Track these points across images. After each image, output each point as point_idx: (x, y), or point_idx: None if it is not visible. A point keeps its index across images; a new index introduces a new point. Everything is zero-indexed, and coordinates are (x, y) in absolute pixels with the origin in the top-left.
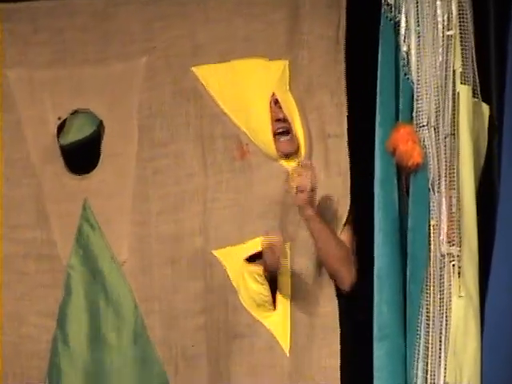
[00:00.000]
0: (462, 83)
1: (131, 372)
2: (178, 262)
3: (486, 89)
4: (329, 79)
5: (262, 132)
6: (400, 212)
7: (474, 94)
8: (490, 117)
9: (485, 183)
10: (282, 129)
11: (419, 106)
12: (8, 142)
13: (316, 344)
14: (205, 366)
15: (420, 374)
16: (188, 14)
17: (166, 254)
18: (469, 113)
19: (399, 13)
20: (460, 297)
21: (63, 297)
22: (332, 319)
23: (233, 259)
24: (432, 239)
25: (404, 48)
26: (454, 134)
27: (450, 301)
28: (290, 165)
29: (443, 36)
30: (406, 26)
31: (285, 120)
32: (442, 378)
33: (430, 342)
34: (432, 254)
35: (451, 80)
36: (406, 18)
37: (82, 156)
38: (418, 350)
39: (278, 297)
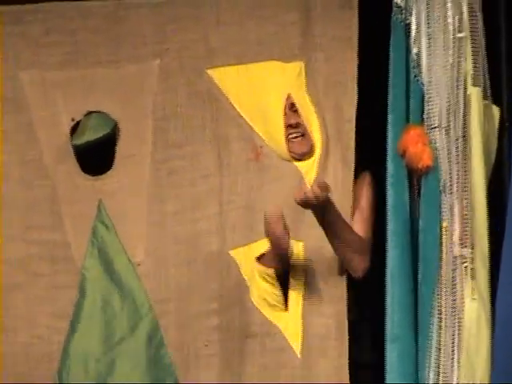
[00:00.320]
0: (473, 85)
1: (144, 374)
2: (193, 263)
3: (497, 90)
4: (343, 79)
5: (276, 134)
6: (411, 214)
7: (485, 96)
8: (501, 118)
9: (495, 185)
10: (295, 134)
11: (430, 107)
12: (21, 144)
13: (327, 345)
14: (217, 367)
15: (432, 375)
16: (200, 16)
17: (182, 255)
18: (480, 115)
19: (410, 15)
20: (473, 299)
21: (77, 298)
22: (342, 319)
23: (246, 258)
24: (444, 241)
25: (414, 50)
26: (465, 136)
27: (463, 303)
28: (303, 166)
29: (454, 38)
30: (417, 28)
31: (297, 125)
32: (455, 380)
33: (442, 344)
34: (444, 256)
35: (462, 82)
36: (417, 20)
37: (96, 157)
38: (430, 352)
39: (290, 297)
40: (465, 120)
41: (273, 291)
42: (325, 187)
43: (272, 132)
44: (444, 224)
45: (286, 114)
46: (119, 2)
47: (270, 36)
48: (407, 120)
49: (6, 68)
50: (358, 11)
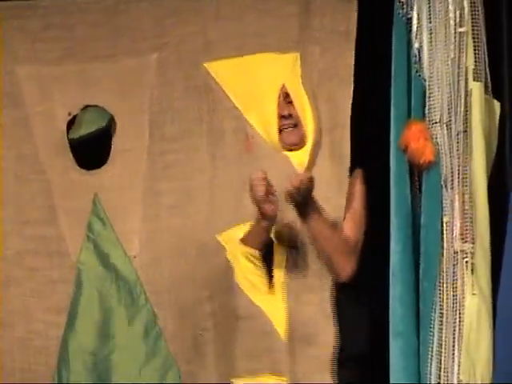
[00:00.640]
0: (474, 80)
1: (142, 365)
2: (188, 255)
3: (498, 86)
4: (339, 72)
5: (268, 124)
6: (413, 209)
7: (486, 91)
8: (502, 113)
9: (495, 180)
10: (287, 126)
11: (431, 102)
12: (17, 139)
13: (313, 331)
14: (212, 353)
15: (434, 371)
16: (200, 9)
17: (177, 248)
18: (481, 110)
19: (411, 9)
20: (473, 294)
21: (74, 293)
22: (327, 305)
23: (230, 241)
24: (445, 236)
25: (416, 45)
26: (466, 131)
27: (463, 298)
28: (294, 156)
29: (455, 33)
30: (418, 22)
31: (290, 116)
32: (455, 375)
33: (444, 339)
34: (445, 251)
35: (463, 77)
36: (418, 14)
37: (92, 151)
38: (432, 348)
39: (275, 281)
40: (466, 115)
41: (256, 272)
42: (308, 179)
43: (265, 122)
44: (445, 219)
45: (279, 104)
46: None
47: (269, 28)
48: (409, 115)
49: (4, 63)
50: (358, 4)
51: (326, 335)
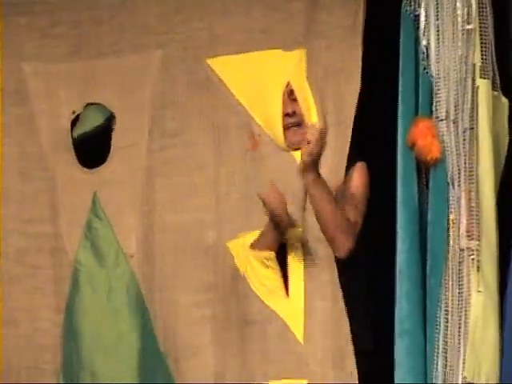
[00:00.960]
0: (481, 77)
1: (135, 363)
2: (186, 253)
3: (506, 83)
4: (346, 67)
5: (273, 122)
6: (420, 206)
7: (494, 88)
8: (511, 110)
9: (506, 176)
10: (292, 124)
11: (438, 99)
12: (21, 136)
13: (331, 329)
14: (210, 357)
15: (440, 368)
16: (206, 5)
17: (174, 245)
18: (488, 107)
19: (419, 6)
20: (479, 291)
21: (70, 291)
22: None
23: (240, 249)
24: (451, 233)
25: (423, 42)
26: (473, 128)
27: (469, 295)
28: (298, 155)
29: (463, 30)
30: (426, 19)
31: (294, 114)
32: (460, 372)
33: (449, 336)
34: (451, 249)
35: (470, 74)
36: (426, 11)
37: (92, 149)
38: (438, 345)
39: (291, 283)
40: (472, 112)
41: (272, 276)
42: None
43: (270, 120)
44: (451, 216)
45: (284, 101)
46: None
47: (275, 24)
48: (416, 112)
49: (10, 59)
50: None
51: (342, 334)
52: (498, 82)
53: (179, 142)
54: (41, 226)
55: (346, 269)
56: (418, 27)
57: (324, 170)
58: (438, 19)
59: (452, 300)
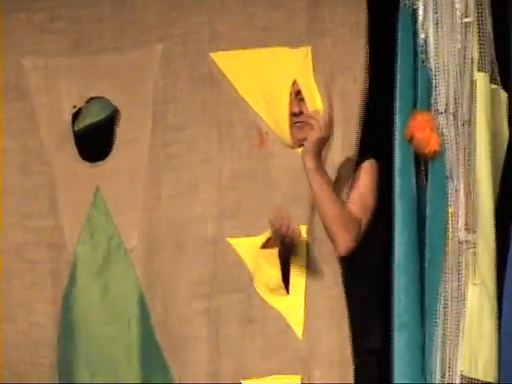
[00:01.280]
0: (479, 70)
1: (133, 358)
2: (186, 248)
3: (506, 76)
4: (351, 65)
5: (281, 120)
6: (419, 200)
7: (493, 81)
8: (509, 103)
9: (506, 171)
10: (299, 123)
11: (437, 93)
12: (22, 131)
13: (329, 327)
14: (208, 350)
15: (438, 362)
16: (204, 1)
17: (175, 240)
18: (486, 100)
19: (417, 0)
20: (474, 284)
21: (68, 285)
22: (343, 301)
23: (249, 249)
24: (450, 227)
25: (422, 35)
26: (471, 122)
27: (467, 288)
28: None
29: (461, 23)
30: (424, 13)
31: (301, 113)
32: (458, 367)
33: (448, 330)
34: (450, 242)
35: (469, 67)
36: (424, 5)
37: (95, 143)
38: (436, 339)
39: (292, 281)
40: (471, 105)
41: (274, 275)
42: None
43: (277, 118)
44: (450, 210)
45: (291, 101)
46: None
47: (278, 22)
48: (414, 106)
49: (10, 54)
50: None
51: (342, 332)
52: (498, 75)
53: (182, 136)
54: (40, 221)
55: (349, 267)
56: (417, 21)
57: (332, 168)
58: (436, 12)
59: (450, 293)
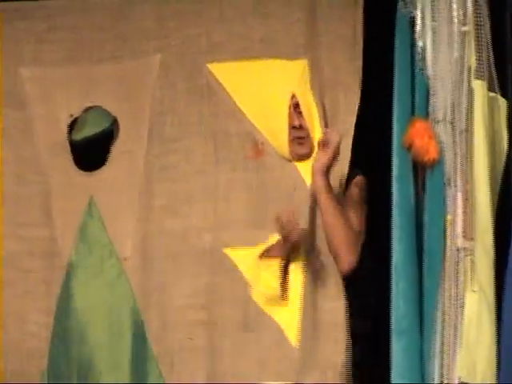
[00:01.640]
0: (476, 78)
1: (126, 367)
2: (181, 258)
3: (504, 83)
4: (345, 77)
5: (279, 132)
6: (416, 207)
7: (492, 89)
8: (509, 111)
9: (506, 178)
10: (298, 136)
11: (435, 101)
12: (18, 140)
13: (324, 339)
14: (203, 360)
15: (436, 368)
16: (204, 11)
17: (169, 250)
18: (484, 108)
19: (415, 8)
20: (473, 291)
21: (62, 294)
22: (340, 315)
23: (245, 259)
24: (448, 234)
25: (419, 44)
26: (469, 130)
27: (466, 295)
28: (302, 166)
29: (458, 32)
30: (422, 21)
31: (301, 127)
32: (457, 371)
33: (446, 336)
34: (448, 249)
35: (466, 75)
36: (422, 13)
37: (92, 152)
38: (435, 345)
39: (290, 290)
40: (469, 113)
41: (273, 284)
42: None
43: (275, 130)
44: (448, 217)
45: (290, 114)
46: None
47: (274, 33)
48: (412, 114)
49: (8, 63)
50: (363, 8)
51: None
52: (496, 83)
53: (178, 147)
54: (34, 230)
55: (351, 282)
56: (414, 29)
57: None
58: (434, 21)
59: (449, 300)
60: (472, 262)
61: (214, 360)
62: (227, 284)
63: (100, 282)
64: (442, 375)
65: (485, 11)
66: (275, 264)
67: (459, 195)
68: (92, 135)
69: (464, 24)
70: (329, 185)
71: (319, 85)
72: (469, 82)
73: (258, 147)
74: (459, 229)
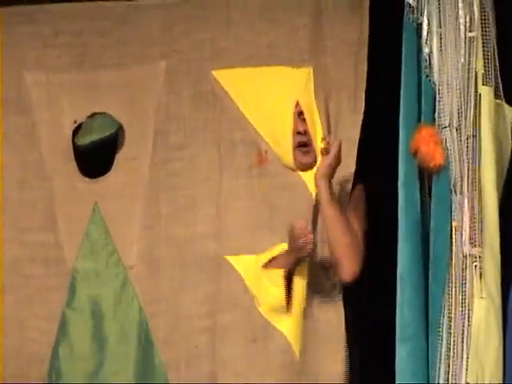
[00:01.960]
0: (483, 84)
1: (133, 374)
2: (186, 266)
3: (509, 91)
4: (350, 83)
5: (283, 140)
6: (422, 214)
7: (498, 96)
8: None
9: (509, 184)
10: (303, 142)
11: (441, 107)
12: (22, 145)
13: (324, 348)
14: (208, 368)
15: (442, 375)
16: (210, 17)
17: (175, 258)
18: (490, 114)
19: (421, 15)
20: (481, 298)
21: (67, 300)
22: (338, 325)
23: (249, 267)
24: (454, 240)
25: (426, 50)
26: (475, 136)
27: (472, 302)
28: (306, 175)
29: (465, 38)
30: (428, 27)
31: (305, 133)
32: (463, 379)
33: (452, 343)
34: (454, 255)
35: (473, 81)
36: (428, 19)
37: (97, 159)
38: (440, 352)
39: (293, 300)
40: (475, 119)
41: (279, 295)
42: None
43: (279, 138)
44: (454, 223)
45: (295, 121)
46: (129, 4)
47: (280, 39)
48: (419, 120)
49: (12, 68)
50: (369, 13)
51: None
52: (501, 90)
53: (183, 154)
54: (38, 235)
55: (352, 292)
56: (421, 35)
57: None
58: (440, 27)
59: (455, 307)
60: (480, 268)
61: (220, 368)
62: (231, 291)
63: (105, 290)
64: (447, 381)
65: (491, 17)
66: (280, 274)
67: (465, 202)
68: (97, 141)
69: (471, 30)
70: (331, 191)
71: (324, 90)
72: (475, 87)
73: (262, 155)
74: (466, 235)
